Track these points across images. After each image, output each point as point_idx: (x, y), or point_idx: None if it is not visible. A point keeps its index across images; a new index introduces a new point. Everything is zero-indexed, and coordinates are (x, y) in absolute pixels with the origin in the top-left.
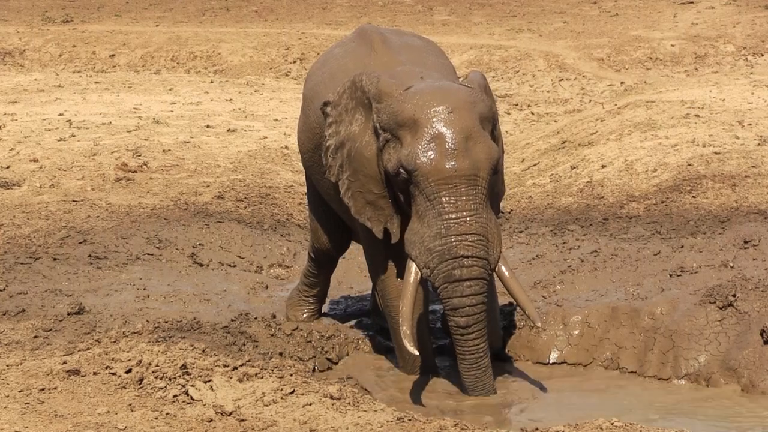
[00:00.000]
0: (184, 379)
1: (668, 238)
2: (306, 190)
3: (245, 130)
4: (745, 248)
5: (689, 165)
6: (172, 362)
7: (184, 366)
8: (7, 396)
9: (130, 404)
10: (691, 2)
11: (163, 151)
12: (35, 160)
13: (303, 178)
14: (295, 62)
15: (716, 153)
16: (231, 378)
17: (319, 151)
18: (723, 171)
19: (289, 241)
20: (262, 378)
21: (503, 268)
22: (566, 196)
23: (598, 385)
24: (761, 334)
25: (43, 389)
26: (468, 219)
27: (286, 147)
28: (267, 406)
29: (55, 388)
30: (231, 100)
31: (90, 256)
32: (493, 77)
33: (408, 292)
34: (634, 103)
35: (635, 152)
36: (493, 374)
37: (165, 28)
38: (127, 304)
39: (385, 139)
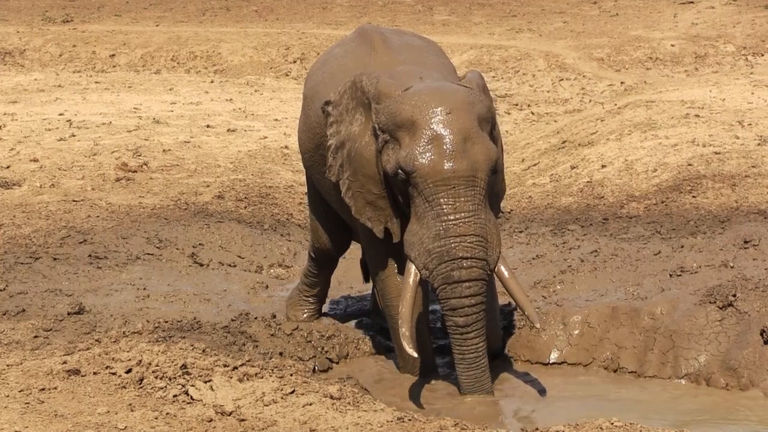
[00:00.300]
0: (184, 378)
1: (668, 238)
2: (306, 190)
3: (245, 130)
4: (745, 248)
5: (689, 165)
6: (172, 362)
7: (184, 366)
8: (7, 396)
9: (130, 404)
10: (691, 2)
11: (163, 150)
12: (35, 160)
13: (303, 178)
14: (295, 62)
15: (716, 153)
16: (231, 378)
17: (319, 151)
18: (723, 171)
19: (289, 241)
20: (262, 378)
21: (503, 269)
22: (566, 196)
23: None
24: (761, 334)
25: (43, 389)
26: (467, 220)
27: (286, 147)
28: (267, 405)
29: (55, 388)
30: (231, 99)
31: (90, 255)
32: (493, 77)
33: (407, 294)
34: (634, 103)
35: (635, 152)
36: (492, 374)
37: (165, 28)
38: (127, 304)
39: (384, 140)
